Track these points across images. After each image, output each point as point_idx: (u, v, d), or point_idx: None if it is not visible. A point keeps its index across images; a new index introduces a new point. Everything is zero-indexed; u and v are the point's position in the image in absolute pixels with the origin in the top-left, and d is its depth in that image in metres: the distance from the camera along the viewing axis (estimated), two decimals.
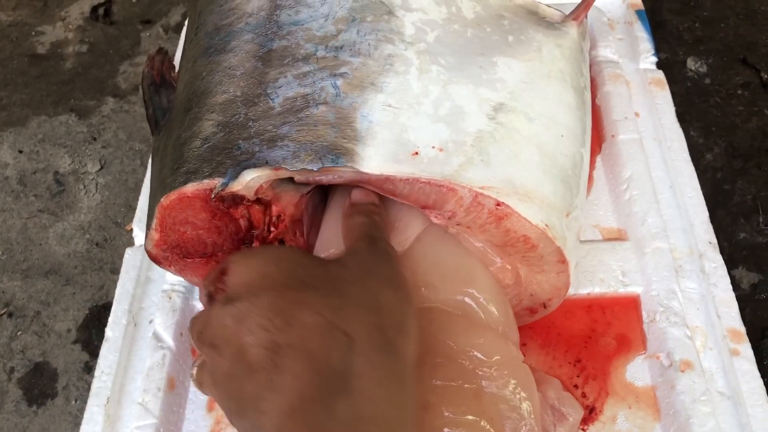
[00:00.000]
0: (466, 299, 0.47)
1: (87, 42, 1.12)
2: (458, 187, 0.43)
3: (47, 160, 0.95)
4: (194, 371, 0.39)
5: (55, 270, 0.84)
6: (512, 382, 0.45)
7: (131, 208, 0.88)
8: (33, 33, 1.15)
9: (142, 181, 0.75)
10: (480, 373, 0.45)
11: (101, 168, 0.93)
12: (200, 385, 0.39)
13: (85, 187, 0.91)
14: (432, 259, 0.48)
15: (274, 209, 0.48)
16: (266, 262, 0.38)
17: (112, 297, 0.67)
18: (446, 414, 0.43)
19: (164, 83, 0.65)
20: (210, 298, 0.38)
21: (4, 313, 0.80)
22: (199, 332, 0.37)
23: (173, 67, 0.67)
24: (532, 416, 0.45)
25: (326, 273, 0.37)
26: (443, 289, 0.47)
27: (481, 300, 0.48)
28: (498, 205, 0.44)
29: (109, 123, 0.99)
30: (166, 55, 0.68)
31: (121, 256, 0.74)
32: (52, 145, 0.97)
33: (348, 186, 0.47)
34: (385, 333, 0.35)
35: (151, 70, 0.66)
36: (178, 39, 0.95)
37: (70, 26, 1.15)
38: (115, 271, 0.82)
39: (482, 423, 0.44)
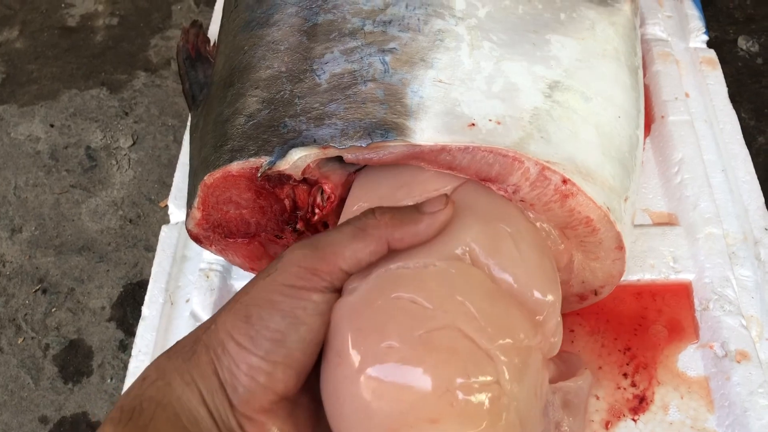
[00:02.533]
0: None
1: (117, 15, 1.11)
2: (525, 158, 0.41)
3: (79, 135, 0.95)
4: None
5: (89, 246, 0.83)
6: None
7: (164, 185, 0.87)
8: (63, 5, 1.14)
9: (175, 157, 0.74)
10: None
11: (134, 143, 0.93)
12: None
13: (117, 162, 0.90)
14: (473, 207, 0.42)
15: (326, 188, 0.47)
16: None
17: (147, 275, 0.66)
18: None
19: (200, 57, 0.64)
20: None
21: (39, 289, 0.80)
22: None
23: (208, 40, 0.66)
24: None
25: None
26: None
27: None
28: (564, 182, 0.42)
29: (141, 98, 0.98)
30: (200, 29, 0.67)
31: (155, 233, 0.73)
32: (83, 119, 0.96)
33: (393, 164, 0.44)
34: None
35: (186, 44, 0.65)
36: (210, 12, 0.93)
37: None
38: (149, 248, 0.82)
39: None
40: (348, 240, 0.38)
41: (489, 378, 0.35)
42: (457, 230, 0.40)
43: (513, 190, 0.43)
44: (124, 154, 0.91)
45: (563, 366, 0.47)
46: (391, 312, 0.37)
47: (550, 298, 0.41)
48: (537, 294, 0.40)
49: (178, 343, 0.39)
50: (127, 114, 0.96)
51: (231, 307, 0.38)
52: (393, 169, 0.46)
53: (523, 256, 0.41)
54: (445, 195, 0.39)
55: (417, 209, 0.39)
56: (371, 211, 0.39)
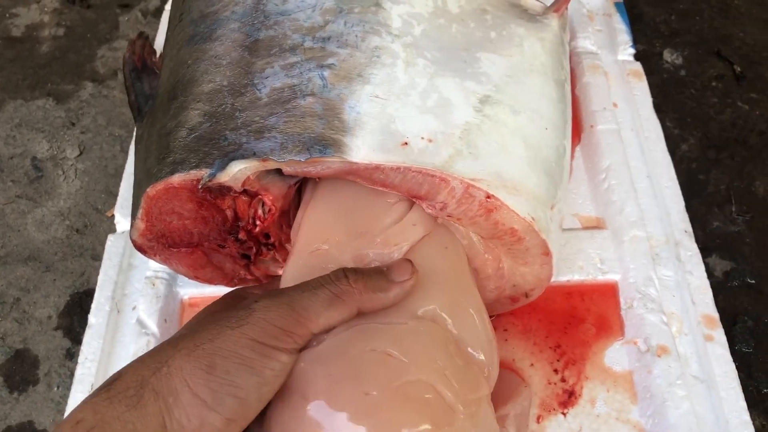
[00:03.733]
0: (448, 318, 0.45)
1: (63, 25, 1.10)
2: (450, 178, 0.44)
3: (24, 145, 0.94)
4: None
5: (35, 256, 0.83)
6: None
7: (111, 195, 0.87)
8: (7, 15, 1.13)
9: (122, 167, 0.74)
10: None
11: (80, 154, 0.92)
12: None
13: (64, 172, 0.90)
14: (432, 268, 0.46)
15: (267, 200, 0.48)
16: None
17: (94, 284, 0.66)
18: None
19: (146, 69, 0.64)
20: None
21: None
22: None
23: (154, 52, 0.66)
24: None
25: None
26: (431, 303, 0.46)
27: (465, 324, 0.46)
28: (488, 197, 0.44)
29: (88, 108, 0.97)
30: (146, 40, 0.67)
31: (102, 243, 0.74)
32: (29, 129, 0.95)
33: (335, 179, 0.47)
34: None
35: (133, 56, 0.65)
36: (157, 24, 0.94)
37: (46, 9, 1.13)
38: (96, 257, 0.82)
39: None
40: (324, 307, 0.38)
41: (453, 428, 0.39)
42: (422, 293, 0.44)
43: (441, 207, 0.46)
44: (71, 164, 0.91)
45: (502, 384, 0.50)
46: (366, 362, 0.39)
47: (492, 358, 0.46)
48: (482, 356, 0.44)
49: (118, 380, 0.35)
50: (73, 124, 0.95)
51: (189, 352, 0.35)
52: (347, 192, 0.49)
53: (474, 321, 0.45)
54: (410, 263, 0.43)
55: (386, 277, 0.41)
56: (344, 275, 0.40)
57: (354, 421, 0.37)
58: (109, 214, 0.85)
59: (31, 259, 0.82)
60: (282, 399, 0.39)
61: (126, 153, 0.90)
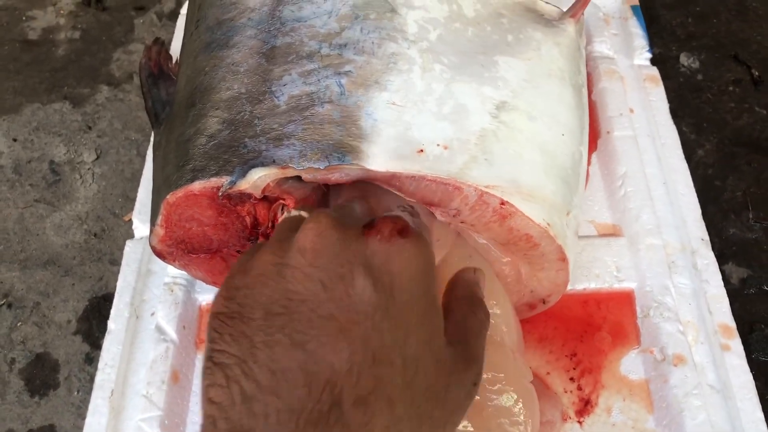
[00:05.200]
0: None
1: (79, 28, 1.11)
2: (464, 186, 0.44)
3: (42, 149, 0.95)
4: None
5: (54, 261, 0.84)
6: (516, 398, 0.46)
7: (128, 199, 0.88)
8: (24, 18, 1.14)
9: (139, 171, 0.75)
10: (487, 386, 0.46)
11: (97, 158, 0.93)
12: None
13: (81, 176, 0.91)
14: None
15: (289, 203, 0.49)
16: (428, 299, 0.32)
17: (112, 288, 0.67)
18: None
19: (162, 75, 0.65)
20: (369, 223, 0.33)
21: (3, 303, 0.80)
22: (327, 224, 0.32)
23: (170, 57, 0.67)
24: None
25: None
26: None
27: (500, 319, 0.49)
28: (502, 204, 0.45)
29: (104, 112, 0.98)
30: (162, 46, 0.68)
31: (119, 247, 0.74)
32: (46, 133, 0.96)
33: (353, 184, 0.47)
34: None
35: (149, 62, 0.66)
36: (173, 26, 0.94)
37: (62, 12, 1.14)
38: (114, 262, 0.83)
39: None
40: None
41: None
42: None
43: (454, 213, 0.46)
44: (88, 168, 0.92)
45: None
46: None
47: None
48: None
49: None
50: (90, 128, 0.96)
51: None
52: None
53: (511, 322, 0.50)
54: None
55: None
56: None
57: None
58: (127, 219, 0.86)
59: (50, 264, 0.83)
60: None
61: (143, 157, 0.90)
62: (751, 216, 0.78)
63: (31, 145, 0.95)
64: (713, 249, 0.64)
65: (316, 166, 0.44)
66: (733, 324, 0.59)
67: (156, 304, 0.63)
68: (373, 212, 0.42)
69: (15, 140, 0.95)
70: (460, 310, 0.37)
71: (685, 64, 0.91)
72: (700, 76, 0.89)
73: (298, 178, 0.46)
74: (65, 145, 0.94)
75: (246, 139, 0.46)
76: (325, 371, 0.27)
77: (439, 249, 0.48)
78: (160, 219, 0.49)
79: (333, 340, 0.28)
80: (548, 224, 0.46)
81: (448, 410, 0.31)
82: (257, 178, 0.45)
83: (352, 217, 0.39)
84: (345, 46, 0.50)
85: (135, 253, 0.68)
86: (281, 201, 0.49)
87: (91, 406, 0.58)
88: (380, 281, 0.30)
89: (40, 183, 0.91)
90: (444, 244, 0.49)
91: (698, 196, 0.67)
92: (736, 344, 0.58)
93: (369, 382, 0.27)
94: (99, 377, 0.60)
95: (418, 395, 0.29)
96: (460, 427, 0.44)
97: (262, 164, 0.45)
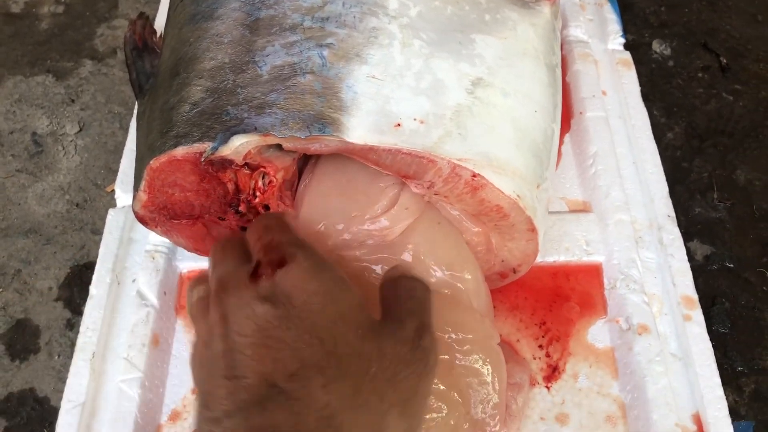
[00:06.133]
0: (458, 283, 0.51)
1: (63, 2, 1.11)
2: (437, 159, 0.46)
3: (24, 121, 0.95)
4: (194, 296, 0.40)
5: (35, 229, 0.85)
6: (484, 359, 0.49)
7: (111, 171, 0.88)
8: None
9: (121, 143, 0.76)
10: (456, 347, 0.48)
11: (80, 130, 0.93)
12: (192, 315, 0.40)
13: (64, 148, 0.91)
14: (431, 243, 0.51)
15: (270, 171, 0.50)
16: (326, 292, 0.36)
17: (94, 257, 0.68)
18: None
19: (146, 48, 0.65)
20: (253, 270, 0.37)
21: None
22: (220, 290, 0.37)
23: (155, 32, 0.68)
24: (499, 391, 0.49)
25: (365, 348, 0.35)
26: (439, 271, 0.50)
27: (469, 284, 0.51)
28: (474, 176, 0.47)
29: (87, 85, 0.99)
30: (147, 20, 0.69)
31: (101, 217, 0.75)
32: (29, 105, 0.96)
33: (333, 155, 0.49)
34: None
35: (134, 35, 0.67)
36: (157, 4, 0.95)
37: None
38: (96, 231, 0.83)
39: (452, 393, 0.47)
40: None
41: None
42: (424, 268, 0.51)
43: (428, 185, 0.48)
44: (71, 140, 0.92)
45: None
46: None
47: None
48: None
49: None
50: (73, 101, 0.96)
51: None
52: (345, 170, 0.52)
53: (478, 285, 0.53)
54: None
55: None
56: None
57: None
58: (109, 189, 0.87)
59: (31, 232, 0.84)
60: None
61: (125, 130, 0.91)
62: (715, 196, 0.81)
63: (13, 117, 0.95)
64: (679, 227, 0.66)
65: (297, 135, 0.45)
66: (695, 296, 0.61)
67: (137, 271, 0.65)
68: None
69: None
70: (391, 289, 0.42)
71: (657, 50, 0.93)
72: (671, 63, 0.92)
73: (280, 147, 0.48)
74: (48, 117, 0.95)
75: (229, 107, 0.47)
76: (255, 375, 0.33)
77: (407, 216, 0.50)
78: (143, 184, 0.50)
79: (256, 354, 0.33)
80: (518, 196, 0.48)
81: (392, 365, 0.35)
82: (239, 145, 0.46)
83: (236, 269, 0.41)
84: (327, 19, 0.51)
85: (117, 221, 0.69)
86: (262, 169, 0.50)
87: (72, 368, 0.59)
88: (278, 301, 0.35)
89: (22, 154, 0.91)
90: (412, 212, 0.50)
91: (667, 177, 0.69)
92: (698, 315, 0.60)
93: (295, 363, 0.33)
94: (80, 340, 0.61)
95: (345, 358, 0.34)
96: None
97: (244, 131, 0.46)
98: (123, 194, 0.70)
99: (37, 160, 0.90)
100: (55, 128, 0.93)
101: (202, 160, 0.47)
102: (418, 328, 0.38)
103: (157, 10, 0.86)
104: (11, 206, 0.86)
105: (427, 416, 0.46)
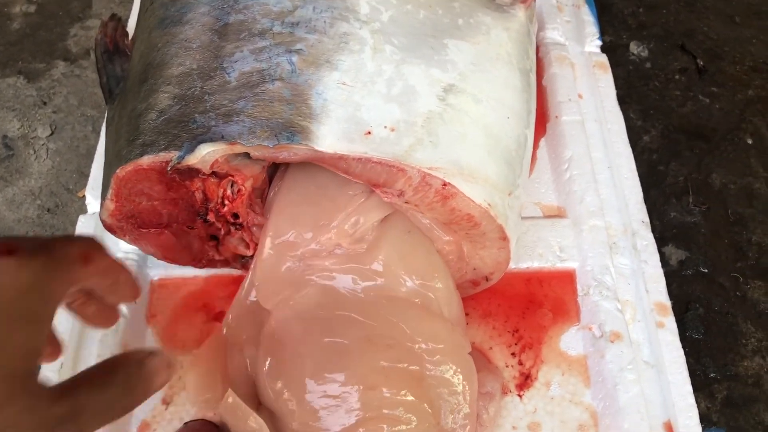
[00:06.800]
0: (428, 292, 0.50)
1: (35, 2, 1.09)
2: (407, 168, 0.45)
3: None
4: None
5: (5, 235, 0.84)
6: (455, 369, 0.48)
7: (83, 175, 0.87)
8: None
9: (94, 147, 0.75)
10: (426, 357, 0.48)
11: (52, 133, 0.92)
12: None
13: (35, 152, 0.90)
14: (401, 252, 0.51)
15: (237, 180, 0.49)
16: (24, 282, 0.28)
17: None
18: (386, 394, 0.46)
19: (118, 51, 0.64)
20: None
21: None
22: None
23: (126, 34, 0.66)
24: (470, 401, 0.49)
25: None
26: (410, 280, 0.50)
27: (440, 293, 0.51)
28: (444, 185, 0.46)
29: (60, 87, 0.97)
30: (119, 22, 0.68)
31: (73, 223, 0.74)
32: None
33: (303, 163, 0.48)
34: None
35: (105, 38, 0.66)
36: (131, 3, 0.94)
37: None
38: None
39: (422, 404, 0.47)
40: None
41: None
42: (394, 278, 0.52)
43: (398, 194, 0.47)
44: (42, 144, 0.91)
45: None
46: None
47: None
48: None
49: None
50: (45, 103, 0.95)
51: None
52: (314, 179, 0.52)
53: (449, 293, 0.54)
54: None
55: None
56: None
57: None
58: (81, 195, 0.86)
59: None
60: None
61: (98, 134, 0.90)
62: (691, 200, 0.81)
63: None
64: (654, 231, 0.66)
65: (265, 143, 0.45)
66: (668, 303, 0.61)
67: None
68: None
69: None
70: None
71: (635, 52, 0.93)
72: (648, 65, 0.92)
73: (248, 155, 0.47)
74: (19, 120, 0.93)
75: (196, 115, 0.47)
76: None
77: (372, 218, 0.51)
78: (110, 193, 0.50)
79: None
80: (489, 204, 0.48)
81: None
82: (205, 154, 0.45)
83: None
84: (297, 24, 0.51)
85: (88, 228, 0.68)
86: (230, 177, 0.50)
87: (39, 378, 0.58)
88: None
89: None
90: (375, 214, 0.51)
91: (642, 181, 0.69)
92: (670, 322, 0.60)
93: None
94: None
95: None
96: (400, 395, 0.46)
97: (211, 140, 0.45)
98: (93, 200, 0.69)
99: (8, 164, 0.89)
100: (27, 131, 0.92)
101: (169, 169, 0.46)
102: (62, 417, 0.28)
103: (130, 10, 0.85)
104: None
105: (396, 428, 0.46)
